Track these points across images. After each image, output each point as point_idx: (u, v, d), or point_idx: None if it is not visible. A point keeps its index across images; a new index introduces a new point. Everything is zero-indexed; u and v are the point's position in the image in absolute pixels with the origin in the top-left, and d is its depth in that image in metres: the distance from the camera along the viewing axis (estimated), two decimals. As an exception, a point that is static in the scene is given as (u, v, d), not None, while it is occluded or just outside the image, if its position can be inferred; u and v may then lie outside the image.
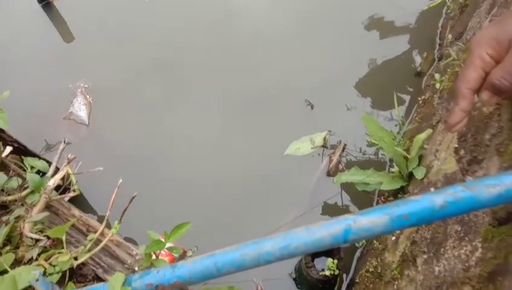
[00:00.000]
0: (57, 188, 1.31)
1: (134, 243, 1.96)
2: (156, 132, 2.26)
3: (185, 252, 1.91)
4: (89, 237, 1.16)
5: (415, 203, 0.79)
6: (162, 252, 1.82)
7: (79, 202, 2.09)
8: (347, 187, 2.05)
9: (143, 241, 1.50)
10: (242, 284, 1.91)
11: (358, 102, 2.31)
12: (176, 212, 2.04)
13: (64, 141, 1.37)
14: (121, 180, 1.24)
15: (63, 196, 1.25)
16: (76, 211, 1.25)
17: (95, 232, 1.20)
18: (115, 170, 2.14)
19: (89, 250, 1.13)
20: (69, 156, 1.29)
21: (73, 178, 2.05)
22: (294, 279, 1.86)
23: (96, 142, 2.23)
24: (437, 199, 0.78)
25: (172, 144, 2.23)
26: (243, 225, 2.04)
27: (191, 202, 2.08)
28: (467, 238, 1.04)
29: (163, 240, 1.15)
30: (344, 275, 1.85)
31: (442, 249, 1.12)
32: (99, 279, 1.14)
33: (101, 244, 1.11)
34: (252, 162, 2.18)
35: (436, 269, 1.10)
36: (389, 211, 0.79)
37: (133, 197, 1.14)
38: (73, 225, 1.24)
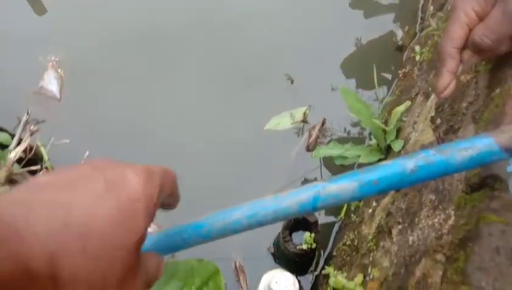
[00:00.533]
0: (26, 162, 1.25)
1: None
2: (135, 107, 2.19)
3: (160, 227, 1.88)
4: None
5: (385, 169, 0.76)
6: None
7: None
8: (327, 162, 2.03)
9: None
10: (221, 261, 1.91)
11: (341, 80, 2.27)
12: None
13: (28, 112, 1.30)
14: (87, 152, 1.19)
15: (27, 169, 1.19)
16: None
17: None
18: (92, 145, 2.09)
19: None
20: (31, 127, 1.23)
21: (44, 154, 2.00)
22: (272, 253, 1.85)
23: (70, 117, 2.15)
24: (408, 164, 0.75)
25: (152, 119, 2.17)
26: (223, 198, 2.00)
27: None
28: (441, 207, 1.03)
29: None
30: (322, 251, 1.86)
31: (416, 219, 1.10)
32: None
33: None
34: (233, 137, 2.14)
35: (410, 238, 1.08)
36: (358, 178, 0.76)
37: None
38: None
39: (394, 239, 1.20)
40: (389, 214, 1.29)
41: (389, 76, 2.29)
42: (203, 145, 2.11)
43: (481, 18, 0.73)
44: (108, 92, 2.22)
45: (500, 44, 0.75)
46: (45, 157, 1.98)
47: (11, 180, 1.16)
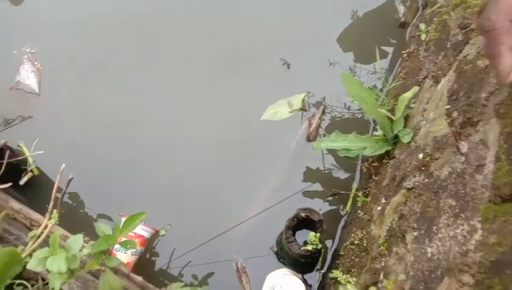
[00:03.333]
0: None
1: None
2: (124, 96, 2.05)
3: (157, 232, 1.78)
4: (30, 234, 0.99)
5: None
6: (131, 233, 1.69)
7: (42, 183, 1.91)
8: (329, 150, 1.91)
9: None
10: (223, 264, 1.81)
11: (339, 57, 2.12)
12: (153, 182, 1.88)
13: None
14: (63, 165, 1.07)
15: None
16: (15, 204, 1.07)
17: (40, 225, 1.03)
18: (78, 142, 1.96)
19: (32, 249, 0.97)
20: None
21: (28, 156, 1.87)
22: (276, 253, 1.76)
23: (50, 113, 2.01)
24: None
25: (139, 116, 2.02)
26: (222, 193, 1.90)
27: (165, 173, 1.92)
28: (463, 215, 0.91)
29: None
30: (330, 241, 1.76)
31: (434, 227, 0.99)
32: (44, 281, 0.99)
33: (41, 238, 0.95)
34: (228, 129, 2.01)
35: (429, 250, 0.97)
36: None
37: (70, 181, 0.97)
38: (14, 219, 1.07)
39: (409, 246, 1.09)
40: (401, 216, 1.18)
41: (389, 50, 2.13)
42: (197, 140, 1.98)
43: None
44: (93, 83, 2.07)
45: None
46: (30, 160, 1.85)
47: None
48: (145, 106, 2.04)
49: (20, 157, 1.43)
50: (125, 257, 1.64)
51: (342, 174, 1.92)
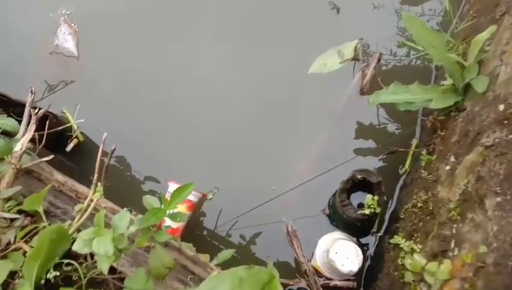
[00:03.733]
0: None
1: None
2: (158, 60, 1.95)
3: (204, 196, 1.73)
4: (76, 208, 0.95)
5: None
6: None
7: (89, 148, 1.91)
8: (387, 106, 1.74)
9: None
10: (271, 226, 1.76)
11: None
12: (194, 146, 1.82)
13: (32, 92, 1.10)
14: (105, 134, 1.00)
15: (40, 160, 1.02)
16: (59, 176, 1.03)
17: (86, 198, 0.99)
18: (118, 106, 1.92)
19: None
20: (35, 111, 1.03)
21: (73, 122, 1.85)
22: (328, 215, 1.66)
23: (88, 75, 1.96)
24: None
25: (180, 74, 1.93)
26: (270, 153, 1.80)
27: (209, 134, 1.84)
28: None
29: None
30: (387, 202, 1.64)
31: (526, 193, 0.84)
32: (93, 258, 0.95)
33: (87, 213, 0.90)
34: (272, 85, 1.87)
35: (519, 220, 0.83)
36: None
37: (112, 152, 0.90)
38: (60, 192, 1.03)
39: (490, 213, 0.94)
40: (479, 178, 1.03)
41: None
42: (240, 98, 1.87)
43: None
44: (130, 43, 1.98)
45: None
46: (74, 126, 1.84)
47: (28, 172, 1.01)
48: (186, 64, 1.94)
49: (61, 127, 1.38)
50: (174, 222, 1.61)
51: (399, 130, 1.75)
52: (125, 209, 0.83)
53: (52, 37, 1.97)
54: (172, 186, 1.64)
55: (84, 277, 0.85)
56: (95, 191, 0.91)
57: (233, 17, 1.97)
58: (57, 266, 0.83)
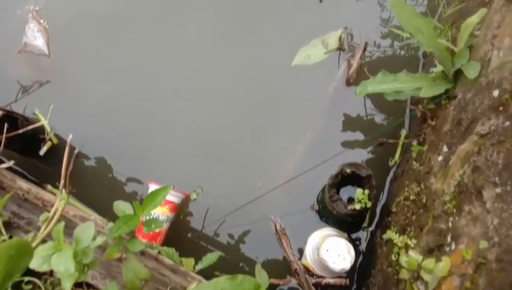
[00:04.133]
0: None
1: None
2: (136, 56, 1.86)
3: (187, 196, 1.65)
4: (41, 217, 0.86)
5: None
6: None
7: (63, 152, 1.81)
8: (374, 96, 1.68)
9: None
10: (259, 225, 1.68)
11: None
12: (176, 146, 1.74)
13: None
14: (70, 136, 0.92)
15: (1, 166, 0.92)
16: (23, 183, 0.94)
17: (53, 206, 0.90)
18: (95, 106, 1.82)
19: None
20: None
21: (46, 126, 1.74)
22: (317, 211, 1.60)
23: (61, 74, 1.86)
24: None
25: (160, 71, 1.84)
26: (254, 149, 1.73)
27: (191, 132, 1.76)
28: None
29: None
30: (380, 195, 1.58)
31: (528, 183, 0.78)
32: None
33: (52, 222, 0.81)
34: (255, 79, 1.80)
35: (522, 212, 0.78)
36: None
37: (76, 154, 0.81)
38: (25, 200, 0.94)
39: (488, 206, 0.89)
40: (475, 169, 0.97)
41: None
42: (221, 91, 1.79)
43: None
44: (104, 39, 1.88)
45: None
46: (47, 128, 1.73)
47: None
48: (166, 60, 1.84)
49: (30, 127, 1.28)
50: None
51: (388, 121, 1.70)
52: (92, 218, 0.74)
53: (20, 35, 1.86)
54: (153, 188, 1.56)
55: (52, 294, 0.76)
56: (61, 199, 0.83)
57: (214, 9, 1.89)
58: (18, 284, 0.74)
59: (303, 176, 1.64)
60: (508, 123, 0.93)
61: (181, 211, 1.66)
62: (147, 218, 0.83)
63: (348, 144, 1.68)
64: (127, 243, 0.79)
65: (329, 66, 1.73)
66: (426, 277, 0.98)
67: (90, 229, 0.69)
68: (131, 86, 1.82)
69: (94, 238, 0.70)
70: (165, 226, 1.57)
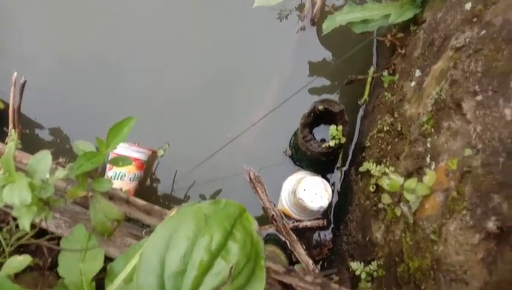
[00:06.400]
0: None
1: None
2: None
3: (154, 153, 1.56)
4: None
5: None
6: (128, 154, 1.45)
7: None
8: (340, 33, 1.62)
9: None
10: (233, 177, 1.62)
11: None
12: (141, 103, 1.63)
13: None
14: (15, 73, 0.80)
15: None
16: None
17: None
18: (46, 62, 1.66)
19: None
20: None
21: None
22: (290, 156, 1.56)
23: (5, 33, 1.67)
24: None
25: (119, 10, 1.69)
26: (220, 104, 1.65)
27: (156, 90, 1.65)
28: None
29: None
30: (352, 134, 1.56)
31: None
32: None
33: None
34: (216, 25, 1.70)
35: (507, 112, 0.76)
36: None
37: (23, 86, 0.71)
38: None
39: (469, 116, 0.87)
40: (453, 82, 0.95)
41: None
42: (182, 36, 1.68)
43: None
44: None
45: None
46: None
47: None
48: (123, 17, 1.70)
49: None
50: (122, 183, 1.44)
51: (355, 59, 1.66)
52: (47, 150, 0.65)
53: None
54: (119, 150, 1.45)
55: (10, 245, 0.67)
56: (11, 140, 0.72)
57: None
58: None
59: (273, 123, 1.59)
60: (484, 32, 0.90)
61: (149, 169, 1.57)
62: (113, 156, 0.74)
63: (316, 89, 1.63)
64: (93, 182, 0.71)
65: (293, 5, 1.65)
66: (409, 196, 0.96)
67: (47, 159, 0.59)
68: (91, 43, 1.67)
69: (52, 173, 0.61)
70: (133, 185, 1.48)
